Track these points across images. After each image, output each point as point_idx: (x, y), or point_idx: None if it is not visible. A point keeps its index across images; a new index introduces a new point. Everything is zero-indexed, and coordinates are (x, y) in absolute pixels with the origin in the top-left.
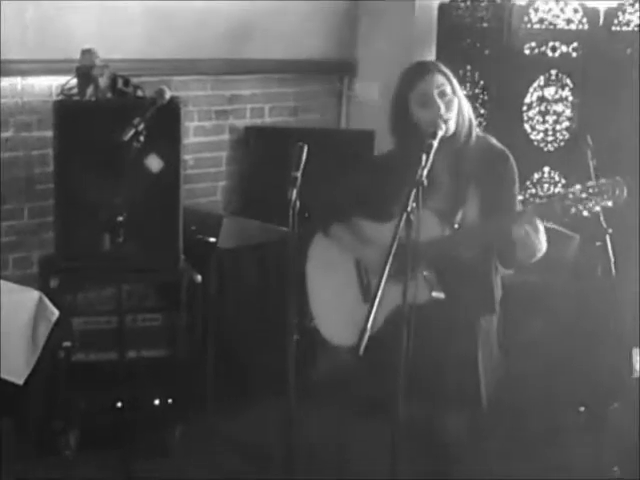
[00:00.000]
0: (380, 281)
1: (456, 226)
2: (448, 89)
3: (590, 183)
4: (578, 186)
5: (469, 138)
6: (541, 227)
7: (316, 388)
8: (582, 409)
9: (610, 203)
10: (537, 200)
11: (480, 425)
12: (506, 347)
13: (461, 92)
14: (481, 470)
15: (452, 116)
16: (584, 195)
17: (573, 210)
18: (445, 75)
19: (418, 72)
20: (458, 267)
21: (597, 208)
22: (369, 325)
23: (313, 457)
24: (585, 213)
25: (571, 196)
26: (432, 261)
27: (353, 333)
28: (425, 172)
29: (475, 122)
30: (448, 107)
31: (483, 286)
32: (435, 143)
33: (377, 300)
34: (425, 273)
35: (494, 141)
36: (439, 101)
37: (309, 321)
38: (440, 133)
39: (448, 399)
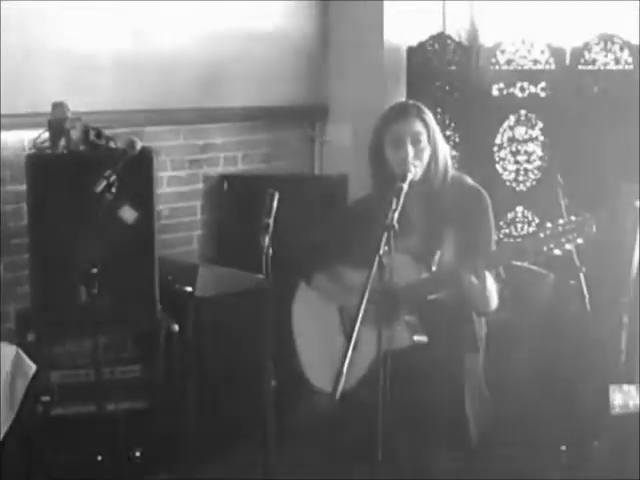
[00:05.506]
0: (354, 326)
1: (434, 268)
2: (423, 137)
3: (560, 221)
4: (549, 224)
5: (443, 181)
6: (490, 281)
7: (299, 434)
8: (564, 448)
9: (580, 240)
10: (511, 240)
11: (467, 466)
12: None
13: (440, 137)
14: None
15: (420, 164)
16: (556, 233)
17: (545, 249)
18: (423, 121)
19: (396, 113)
20: (438, 308)
21: (568, 246)
22: (344, 370)
23: None
24: (557, 251)
25: (542, 235)
26: (413, 305)
27: None
28: (396, 215)
29: (450, 164)
30: (417, 155)
31: (464, 325)
32: (405, 186)
33: (352, 344)
34: (407, 318)
35: (469, 180)
36: (410, 147)
37: (297, 366)
38: (410, 176)
39: (437, 441)
